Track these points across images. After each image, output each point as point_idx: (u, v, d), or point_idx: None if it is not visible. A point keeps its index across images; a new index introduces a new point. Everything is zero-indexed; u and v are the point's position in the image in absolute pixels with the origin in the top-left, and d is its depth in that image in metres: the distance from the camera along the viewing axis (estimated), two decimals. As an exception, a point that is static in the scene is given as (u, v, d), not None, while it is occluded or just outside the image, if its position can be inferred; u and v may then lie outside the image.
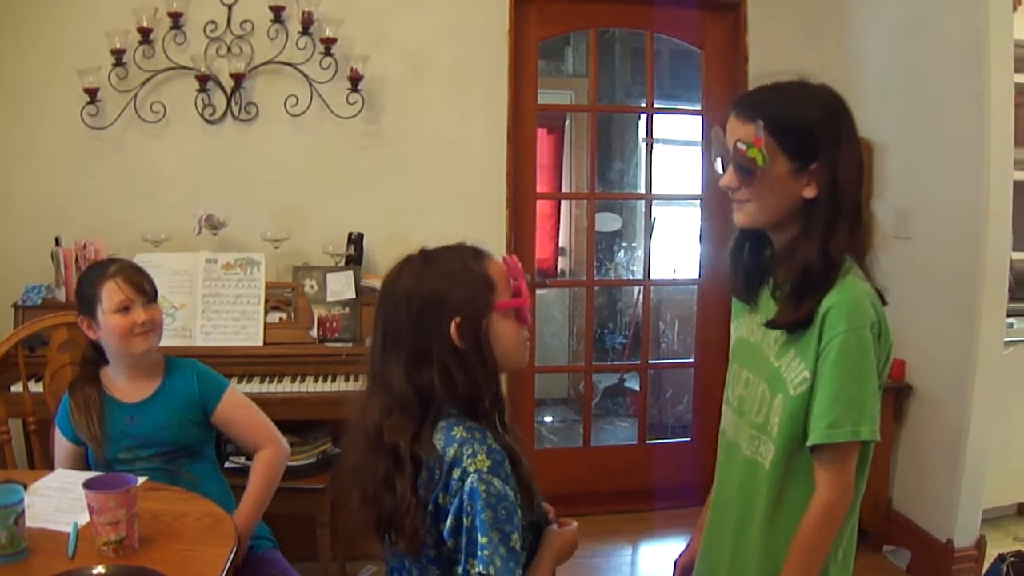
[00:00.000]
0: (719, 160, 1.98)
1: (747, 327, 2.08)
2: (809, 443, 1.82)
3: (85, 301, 2.71)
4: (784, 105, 1.89)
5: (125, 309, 2.65)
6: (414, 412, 1.78)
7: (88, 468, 2.71)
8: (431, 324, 1.79)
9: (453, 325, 1.78)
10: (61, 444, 2.78)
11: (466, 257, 1.87)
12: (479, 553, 1.67)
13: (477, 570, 1.67)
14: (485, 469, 1.71)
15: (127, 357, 2.73)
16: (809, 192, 1.85)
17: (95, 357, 2.81)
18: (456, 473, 1.72)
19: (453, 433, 1.76)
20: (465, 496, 1.70)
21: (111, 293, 2.65)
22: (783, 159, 1.84)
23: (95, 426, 2.67)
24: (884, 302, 1.90)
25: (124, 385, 2.77)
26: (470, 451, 1.72)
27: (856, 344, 1.78)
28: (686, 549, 2.37)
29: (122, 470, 2.56)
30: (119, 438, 2.70)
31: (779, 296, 1.93)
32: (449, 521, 1.73)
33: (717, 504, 2.19)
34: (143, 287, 2.71)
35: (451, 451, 1.73)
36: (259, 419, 2.89)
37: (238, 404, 2.87)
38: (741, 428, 2.05)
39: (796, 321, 1.86)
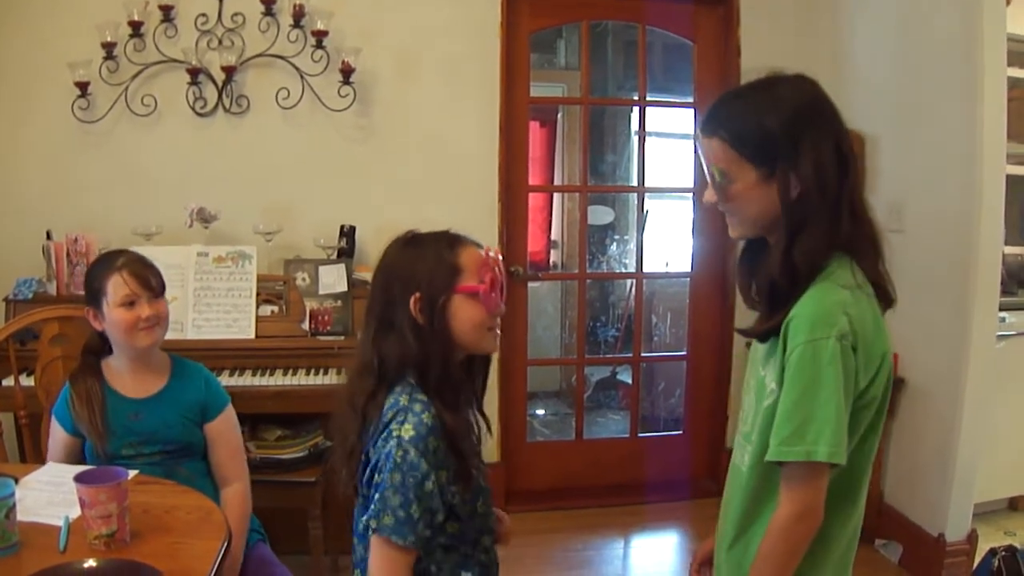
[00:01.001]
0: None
1: (755, 347, 2.01)
2: (768, 458, 1.75)
3: (92, 293, 2.71)
4: (743, 114, 1.83)
5: (130, 303, 2.66)
6: (375, 376, 1.97)
7: (83, 461, 2.70)
8: (396, 296, 1.97)
9: (412, 299, 1.94)
10: (57, 435, 2.77)
11: (441, 241, 2.02)
12: (371, 507, 1.86)
13: (363, 521, 1.89)
14: (407, 437, 1.85)
15: (131, 351, 2.74)
16: (782, 194, 1.78)
17: (98, 347, 2.81)
18: (384, 434, 1.89)
19: (400, 399, 1.93)
20: (383, 456, 1.87)
21: (117, 287, 2.66)
22: (748, 168, 1.80)
23: (97, 419, 2.66)
24: (889, 304, 1.89)
25: (128, 379, 2.78)
26: (401, 418, 1.88)
27: (813, 357, 1.70)
28: (701, 547, 2.27)
29: (122, 465, 2.56)
30: (123, 434, 2.70)
31: (757, 304, 1.92)
32: (367, 473, 1.93)
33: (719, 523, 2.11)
34: (149, 282, 2.71)
35: (389, 414, 1.91)
36: (239, 449, 2.94)
37: (231, 425, 2.90)
38: (738, 435, 2.02)
39: (765, 331, 1.84)
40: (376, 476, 1.87)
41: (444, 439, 1.89)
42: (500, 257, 2.04)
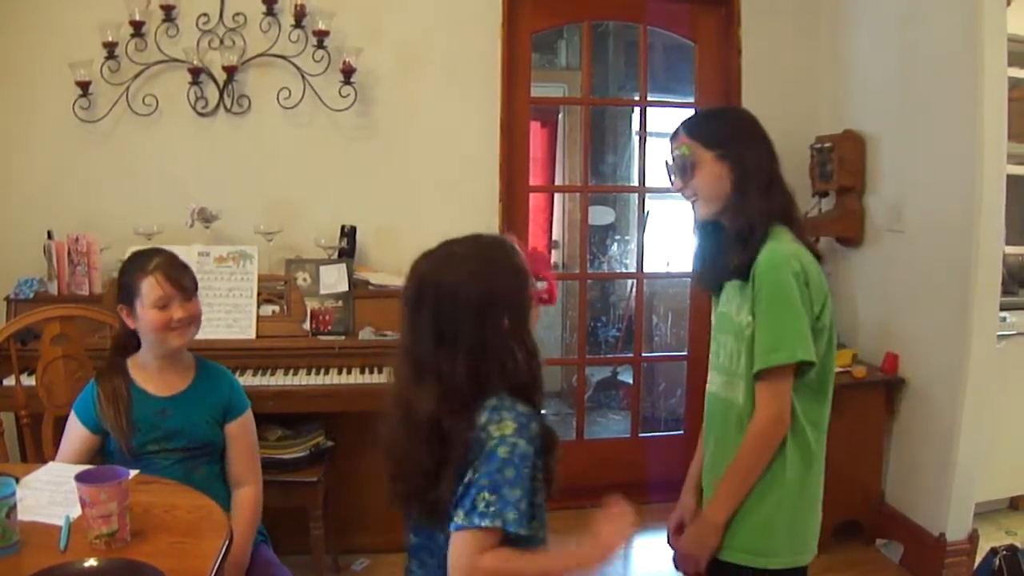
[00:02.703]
0: (671, 177, 2.50)
1: (723, 301, 2.47)
2: (754, 370, 2.26)
3: (125, 291, 2.71)
4: (699, 119, 2.52)
5: (164, 305, 2.66)
6: (468, 398, 1.89)
7: (103, 459, 2.71)
8: (488, 318, 1.90)
9: (506, 318, 1.91)
10: (76, 433, 2.74)
11: (508, 252, 2.00)
12: (481, 508, 1.80)
13: (461, 524, 1.82)
14: (509, 432, 1.84)
15: (162, 349, 2.74)
16: (730, 172, 2.35)
17: (128, 345, 2.81)
18: (483, 441, 1.84)
19: (489, 409, 1.88)
20: (483, 458, 1.83)
21: (151, 288, 2.66)
22: (705, 151, 2.37)
23: (123, 418, 2.67)
24: (819, 258, 2.35)
25: (155, 377, 2.78)
26: (496, 418, 1.86)
27: (778, 288, 2.23)
28: (677, 507, 2.71)
29: (146, 462, 2.61)
30: (148, 430, 2.70)
31: (730, 257, 2.37)
32: (467, 477, 1.85)
33: (706, 462, 2.55)
34: (182, 284, 2.71)
35: (482, 417, 1.86)
36: (255, 451, 2.94)
37: (249, 429, 2.91)
38: (719, 379, 2.47)
39: (735, 270, 2.34)
40: (474, 475, 1.83)
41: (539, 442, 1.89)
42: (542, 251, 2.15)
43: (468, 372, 1.89)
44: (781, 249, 2.27)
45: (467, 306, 1.90)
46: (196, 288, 2.78)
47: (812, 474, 2.35)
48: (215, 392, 2.84)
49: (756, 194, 2.32)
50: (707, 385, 2.56)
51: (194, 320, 2.76)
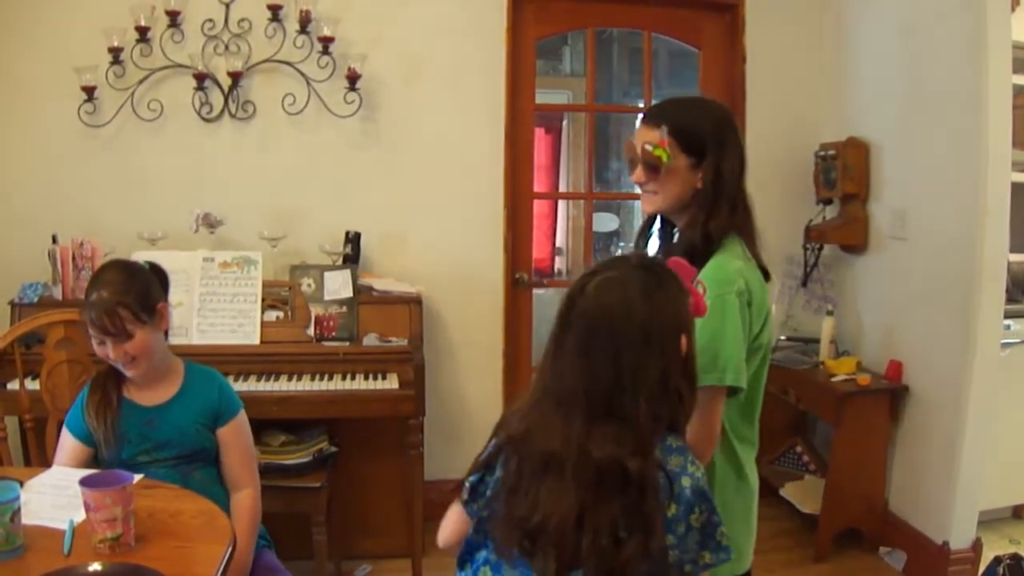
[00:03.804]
0: (631, 163, 2.39)
1: None
2: None
3: None
4: (683, 114, 2.34)
5: (100, 342, 2.63)
6: (649, 439, 1.79)
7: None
8: (669, 349, 1.82)
9: (683, 342, 1.85)
10: (67, 445, 2.74)
11: (670, 275, 1.92)
12: (716, 554, 1.83)
13: (721, 556, 1.83)
14: (700, 474, 1.83)
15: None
16: (700, 183, 2.28)
17: None
18: (685, 482, 1.80)
19: (669, 443, 1.84)
20: (694, 498, 1.79)
21: (88, 326, 2.64)
22: (682, 156, 2.27)
23: (109, 428, 2.64)
24: (767, 277, 2.31)
25: (142, 387, 2.75)
26: (690, 457, 1.85)
27: (720, 308, 2.12)
28: None
29: (139, 472, 2.55)
30: (137, 441, 2.68)
31: None
32: (680, 528, 1.79)
33: None
34: (108, 329, 2.59)
35: (673, 461, 1.82)
36: (251, 454, 2.92)
37: (242, 432, 2.87)
38: None
39: None
40: (693, 519, 1.79)
41: None
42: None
43: (651, 409, 1.78)
44: (728, 265, 2.21)
45: (649, 340, 1.79)
46: (142, 320, 2.64)
47: (745, 486, 2.34)
48: (203, 398, 2.80)
49: (723, 210, 2.26)
50: None
51: (137, 357, 2.65)
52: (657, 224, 2.48)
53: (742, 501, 2.35)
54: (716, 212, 2.25)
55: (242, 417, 2.87)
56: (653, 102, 5.21)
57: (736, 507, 2.30)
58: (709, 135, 2.28)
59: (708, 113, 2.35)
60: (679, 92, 6.36)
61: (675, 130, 2.28)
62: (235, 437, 2.84)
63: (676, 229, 2.39)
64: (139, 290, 2.66)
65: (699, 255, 2.21)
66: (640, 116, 2.43)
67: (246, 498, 2.83)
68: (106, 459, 2.68)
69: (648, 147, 2.28)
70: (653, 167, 2.29)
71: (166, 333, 2.81)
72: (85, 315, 2.62)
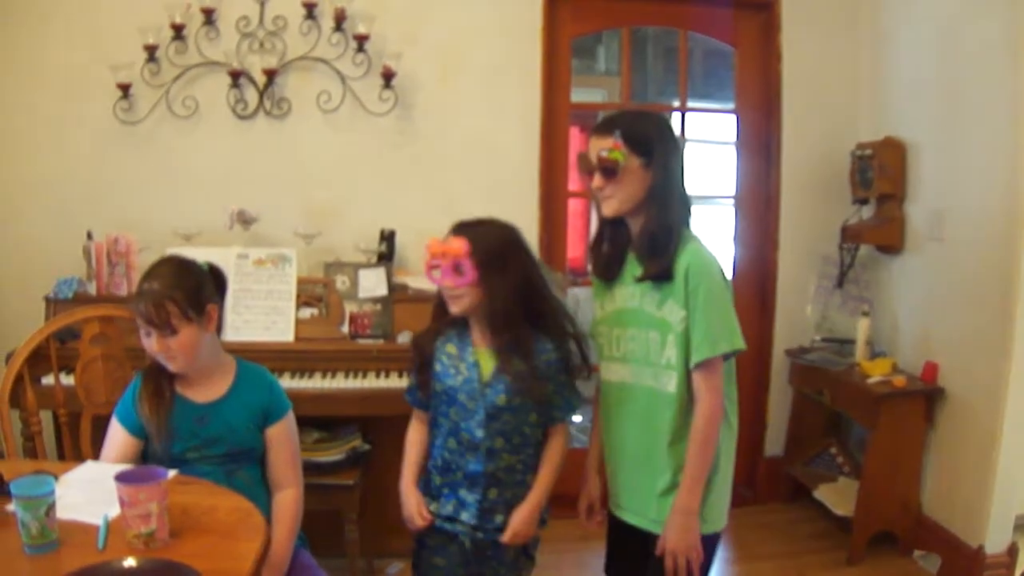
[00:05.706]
0: (587, 173, 2.62)
1: (621, 299, 2.69)
2: (696, 360, 2.49)
3: None
4: (630, 120, 2.60)
5: (147, 333, 2.62)
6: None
7: (143, 463, 2.67)
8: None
9: None
10: (117, 437, 2.72)
11: None
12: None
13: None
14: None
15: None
16: (651, 179, 2.54)
17: None
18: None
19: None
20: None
21: (136, 314, 2.63)
22: (634, 157, 2.53)
23: (162, 419, 2.64)
24: None
25: (194, 384, 2.74)
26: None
27: (717, 287, 2.52)
28: (584, 491, 2.99)
29: (187, 468, 2.58)
30: (188, 437, 2.68)
31: (642, 259, 2.59)
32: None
33: (617, 445, 2.79)
34: (153, 320, 2.58)
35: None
36: (297, 454, 2.90)
37: (290, 432, 2.86)
38: (640, 371, 2.65)
39: (659, 273, 2.53)
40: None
41: None
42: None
43: None
44: (703, 252, 2.55)
45: None
46: (188, 317, 2.62)
47: (732, 444, 2.68)
48: (254, 397, 2.80)
49: (675, 204, 2.56)
50: (607, 375, 2.77)
51: (176, 354, 2.64)
52: (608, 232, 2.72)
53: (730, 463, 2.67)
54: (669, 205, 2.55)
55: (290, 417, 2.86)
56: (688, 101, 5.24)
57: (729, 470, 2.67)
58: (655, 136, 2.56)
59: (649, 118, 2.67)
60: (714, 91, 6.34)
61: (625, 134, 2.53)
62: (283, 436, 2.83)
63: (634, 230, 2.64)
64: (190, 287, 2.66)
65: (661, 247, 2.53)
66: (592, 130, 2.66)
67: (289, 498, 2.82)
68: (157, 453, 2.67)
69: (604, 153, 2.54)
70: (610, 170, 2.54)
71: (218, 330, 2.80)
72: (134, 305, 2.63)
